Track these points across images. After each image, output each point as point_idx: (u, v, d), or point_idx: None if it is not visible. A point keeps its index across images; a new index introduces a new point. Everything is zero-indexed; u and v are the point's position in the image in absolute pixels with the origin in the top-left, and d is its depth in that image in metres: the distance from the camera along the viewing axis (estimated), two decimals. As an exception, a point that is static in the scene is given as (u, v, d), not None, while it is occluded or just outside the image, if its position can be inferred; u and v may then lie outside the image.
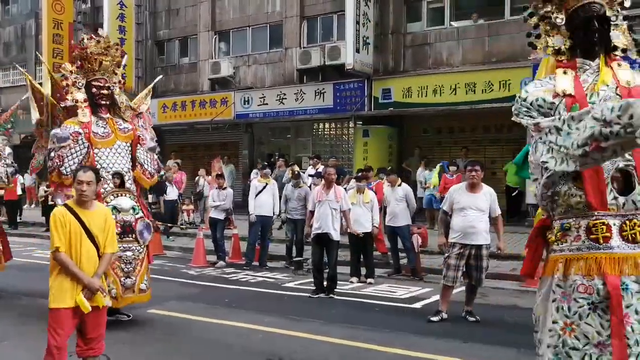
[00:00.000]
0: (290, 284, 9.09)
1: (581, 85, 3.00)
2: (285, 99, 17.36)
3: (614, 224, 2.84)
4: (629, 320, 2.71)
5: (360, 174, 10.65)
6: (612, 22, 3.13)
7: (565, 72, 3.06)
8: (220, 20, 19.52)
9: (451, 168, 12.92)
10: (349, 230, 8.75)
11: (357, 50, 15.35)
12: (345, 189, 11.25)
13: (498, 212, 6.91)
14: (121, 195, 6.41)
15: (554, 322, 2.87)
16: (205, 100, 19.02)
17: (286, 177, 13.45)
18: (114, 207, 6.20)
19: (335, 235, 8.17)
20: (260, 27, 18.75)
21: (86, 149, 6.36)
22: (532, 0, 3.30)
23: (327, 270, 8.26)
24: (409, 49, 15.99)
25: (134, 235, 6.31)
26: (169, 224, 14.42)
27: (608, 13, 3.09)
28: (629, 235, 2.84)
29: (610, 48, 3.12)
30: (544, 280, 3.06)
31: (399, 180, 10.06)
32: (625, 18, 3.20)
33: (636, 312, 2.72)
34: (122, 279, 6.20)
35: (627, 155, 2.83)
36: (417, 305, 7.61)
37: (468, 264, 6.62)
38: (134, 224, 6.34)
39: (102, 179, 6.16)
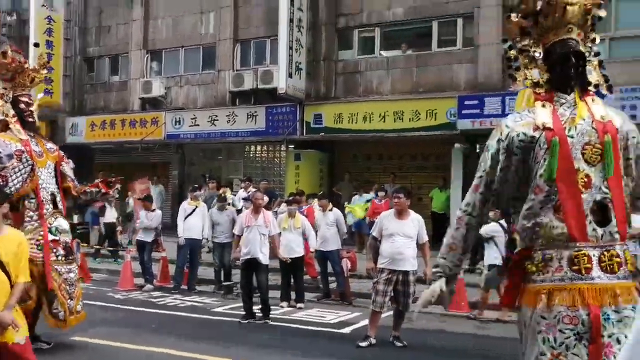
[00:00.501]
0: (220, 309, 9.01)
1: (559, 119, 3.05)
2: (217, 120, 17.29)
3: (594, 255, 2.91)
4: (611, 350, 2.77)
5: (291, 198, 10.76)
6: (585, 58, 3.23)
7: (543, 105, 3.12)
8: (153, 39, 19.26)
9: (380, 194, 13.28)
10: (279, 255, 8.80)
11: (290, 75, 15.58)
12: (276, 212, 11.37)
13: (425, 238, 7.11)
14: (58, 216, 6.24)
15: (541, 354, 2.89)
16: (135, 120, 18.63)
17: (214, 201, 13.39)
18: (56, 229, 6.05)
19: (264, 260, 8.20)
20: (193, 48, 18.64)
21: (30, 167, 6.08)
22: (510, 33, 3.36)
23: (258, 295, 8.26)
24: (341, 76, 16.38)
25: (73, 257, 6.21)
26: (99, 246, 14.03)
27: (582, 49, 3.17)
28: (607, 266, 2.91)
29: (585, 83, 3.20)
30: (523, 310, 3.07)
31: (330, 205, 10.26)
32: (596, 54, 3.29)
33: (618, 341, 2.78)
34: (68, 300, 6.07)
35: (604, 188, 2.95)
36: (346, 330, 7.73)
37: (396, 290, 6.82)
38: (70, 244, 6.23)
39: (43, 200, 6.02)
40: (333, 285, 10.11)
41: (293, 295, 9.37)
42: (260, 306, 8.18)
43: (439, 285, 3.21)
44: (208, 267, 11.87)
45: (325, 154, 16.64)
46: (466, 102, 13.83)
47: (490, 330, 8.04)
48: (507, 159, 3.08)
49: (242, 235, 8.29)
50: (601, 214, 2.96)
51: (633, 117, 11.60)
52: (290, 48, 15.58)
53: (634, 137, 3.09)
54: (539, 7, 3.18)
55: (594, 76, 3.22)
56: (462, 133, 13.82)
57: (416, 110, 14.55)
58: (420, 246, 7.08)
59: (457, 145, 13.87)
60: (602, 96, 3.27)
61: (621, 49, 12.63)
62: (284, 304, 9.19)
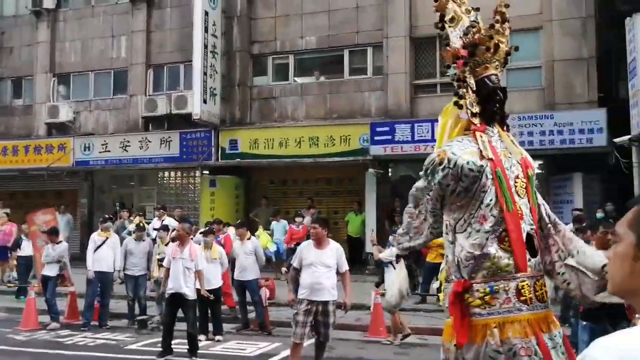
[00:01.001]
0: (134, 346, 8.69)
1: (496, 151, 3.19)
2: (129, 146, 16.80)
3: (529, 285, 3.04)
4: None
5: (207, 227, 10.61)
6: None
7: (481, 137, 3.23)
8: (60, 63, 18.49)
9: (297, 219, 13.39)
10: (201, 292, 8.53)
11: (205, 101, 15.48)
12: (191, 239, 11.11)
13: (345, 267, 7.02)
14: None
15: None
16: (40, 146, 17.70)
17: (127, 230, 12.93)
18: None
19: (191, 294, 7.97)
20: (104, 72, 18.11)
21: None
22: (448, 60, 3.49)
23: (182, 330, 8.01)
24: (256, 101, 16.47)
25: None
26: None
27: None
28: (540, 295, 3.04)
29: (504, 116, 3.40)
30: (469, 348, 2.98)
31: (248, 234, 10.22)
32: None
33: None
34: None
35: (530, 220, 3.10)
36: (267, 362, 7.68)
37: (316, 320, 6.80)
38: None
39: None
40: (252, 315, 10.03)
41: (211, 327, 9.20)
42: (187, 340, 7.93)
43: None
44: (121, 300, 11.41)
45: (241, 180, 16.59)
46: (378, 129, 14.31)
47: (410, 355, 8.23)
48: (454, 184, 3.12)
49: (169, 267, 8.06)
50: (529, 245, 3.10)
51: (530, 142, 12.49)
52: (205, 74, 15.51)
53: (535, 173, 3.33)
54: (478, 41, 3.36)
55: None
56: (375, 158, 14.26)
57: (331, 136, 14.87)
58: (340, 275, 7.11)
59: (370, 170, 14.29)
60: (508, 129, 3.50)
61: (517, 79, 13.56)
62: (202, 337, 8.99)
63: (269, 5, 16.41)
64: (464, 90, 3.32)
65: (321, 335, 6.86)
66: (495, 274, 3.01)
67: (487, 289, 3.00)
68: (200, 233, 10.27)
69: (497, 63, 3.34)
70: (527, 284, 3.03)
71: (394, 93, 14.80)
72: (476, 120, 3.27)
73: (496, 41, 3.30)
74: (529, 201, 3.14)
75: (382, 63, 15.12)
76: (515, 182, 3.14)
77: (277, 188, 16.91)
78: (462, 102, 3.34)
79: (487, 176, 3.10)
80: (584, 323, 5.49)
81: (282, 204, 16.23)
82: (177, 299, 7.92)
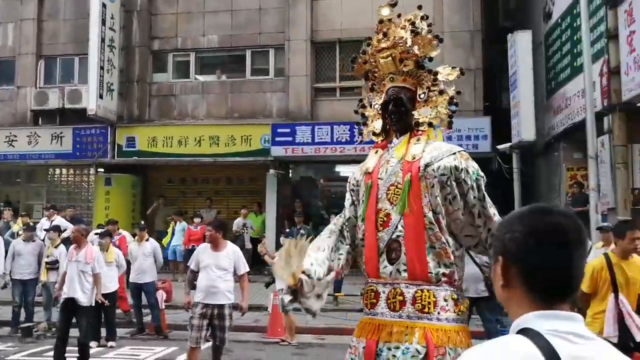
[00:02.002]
0: (17, 356, 8.22)
1: (379, 163, 3.22)
2: (16, 141, 15.82)
3: (383, 292, 3.04)
4: None
5: (104, 229, 10.24)
6: (420, 99, 3.29)
7: (376, 152, 3.32)
8: (-64, 49, 17.01)
9: (195, 220, 13.23)
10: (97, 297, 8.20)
11: (101, 96, 14.88)
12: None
13: (243, 270, 6.97)
14: None
15: None
16: None
17: (11, 231, 12.22)
18: None
19: (85, 300, 7.61)
20: (-12, 61, 16.87)
21: None
22: (367, 89, 3.53)
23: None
24: (155, 98, 16.06)
25: None
26: None
27: (418, 92, 3.28)
28: (392, 304, 3.00)
29: (410, 125, 3.25)
30: None
31: (147, 235, 9.99)
32: (440, 93, 3.30)
33: None
34: None
35: (399, 227, 3.04)
36: (162, 367, 7.57)
37: (212, 324, 6.79)
38: None
39: None
40: (148, 319, 9.81)
41: (103, 333, 8.89)
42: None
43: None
44: (3, 307, 10.73)
45: (138, 179, 16.11)
46: (279, 130, 14.46)
47: (308, 355, 8.40)
48: (351, 197, 3.38)
49: (65, 271, 7.68)
50: (395, 252, 3.07)
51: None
52: (102, 68, 14.91)
53: (443, 175, 3.00)
54: (368, 67, 3.42)
55: (429, 115, 3.25)
56: (275, 159, 14.39)
57: (232, 136, 14.82)
58: (238, 278, 7.13)
59: (271, 171, 14.40)
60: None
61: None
62: (94, 343, 8.66)
63: (170, 1, 16.05)
64: (372, 113, 3.45)
65: (217, 339, 6.83)
66: (365, 277, 3.22)
67: (361, 291, 3.25)
68: (96, 234, 9.87)
69: (391, 76, 3.31)
70: (371, 289, 3.11)
71: (295, 95, 15.01)
72: (378, 139, 3.39)
73: (379, 59, 3.34)
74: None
75: (284, 65, 15.27)
76: (388, 190, 3.13)
77: (176, 187, 16.59)
78: (364, 129, 3.51)
79: (362, 189, 3.27)
80: None
81: (180, 204, 15.95)
82: (71, 304, 7.59)
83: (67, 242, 10.13)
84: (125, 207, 15.31)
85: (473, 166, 3.07)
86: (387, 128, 3.37)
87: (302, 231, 12.35)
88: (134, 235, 10.76)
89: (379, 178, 3.18)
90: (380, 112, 3.38)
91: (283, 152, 14.32)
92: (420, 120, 3.24)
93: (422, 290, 2.96)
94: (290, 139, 14.28)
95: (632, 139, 10.37)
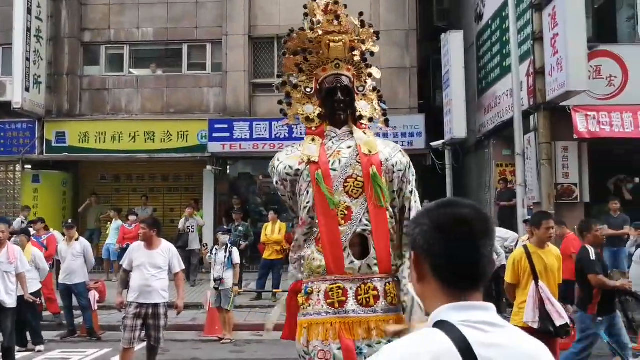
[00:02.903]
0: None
1: (325, 153, 3.08)
2: None
3: (351, 288, 2.92)
4: None
5: (24, 227, 9.82)
6: (359, 92, 3.27)
7: (313, 140, 3.16)
8: None
9: (130, 217, 12.90)
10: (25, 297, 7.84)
11: (27, 89, 14.21)
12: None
13: (178, 268, 6.86)
14: None
15: None
16: None
17: None
18: None
19: (10, 302, 7.25)
20: None
21: None
22: (287, 69, 3.36)
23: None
24: (86, 92, 15.51)
25: None
26: None
27: (356, 84, 3.24)
28: (364, 300, 2.91)
29: (357, 117, 3.21)
30: (297, 345, 3.06)
31: (77, 235, 9.64)
32: (374, 89, 3.35)
33: None
34: None
35: (364, 220, 2.96)
36: (94, 369, 7.37)
37: (146, 324, 6.64)
38: None
39: None
40: (79, 321, 9.49)
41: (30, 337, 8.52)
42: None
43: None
44: None
45: (69, 175, 15.53)
46: (216, 126, 14.29)
47: (245, 352, 8.37)
48: (284, 189, 3.21)
49: None
50: (362, 246, 3.00)
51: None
52: (28, 59, 14.24)
53: (400, 170, 3.10)
54: (306, 45, 3.27)
55: (368, 110, 3.26)
56: (213, 155, 14.22)
57: (167, 131, 14.52)
58: (174, 276, 7.00)
59: (208, 167, 14.21)
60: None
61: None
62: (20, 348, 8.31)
63: (101, -9, 15.53)
64: (298, 96, 3.32)
65: (152, 339, 6.68)
66: (311, 275, 3.04)
67: (303, 290, 3.05)
68: (11, 234, 9.41)
69: (337, 62, 3.20)
70: (338, 287, 2.96)
71: (233, 91, 14.87)
72: (311, 125, 3.24)
73: (327, 41, 3.21)
74: (366, 201, 2.99)
75: (222, 60, 15.09)
76: (346, 183, 3.03)
77: (109, 184, 16.09)
78: (288, 110, 3.36)
79: (304, 179, 3.09)
80: (599, 319, 5.99)
81: (114, 202, 15.49)
82: (-4, 307, 7.23)
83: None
84: (55, 205, 14.73)
85: (411, 164, 3.23)
86: (322, 115, 3.24)
87: (240, 228, 12.30)
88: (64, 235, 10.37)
89: (331, 169, 3.05)
90: (309, 96, 3.29)
91: (221, 148, 14.16)
92: (362, 114, 3.23)
93: (389, 284, 3.01)
94: (227, 135, 14.14)
95: (556, 136, 10.91)
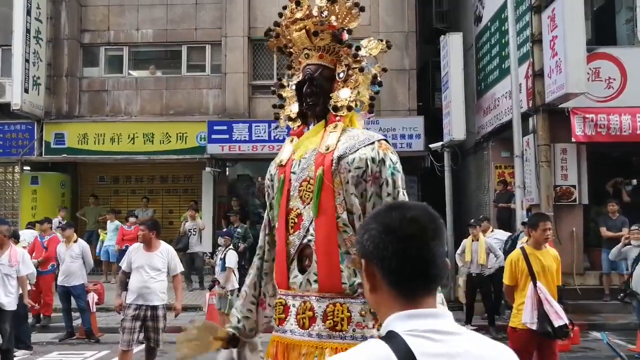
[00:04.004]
0: None
1: (293, 154, 2.76)
2: None
3: (293, 305, 2.59)
4: None
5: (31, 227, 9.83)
6: (339, 79, 2.80)
7: (292, 141, 2.86)
8: None
9: (130, 219, 12.89)
10: (25, 301, 7.81)
11: (26, 90, 14.21)
12: None
13: (177, 270, 6.89)
14: None
15: None
16: None
17: None
18: None
19: (9, 304, 7.22)
20: None
21: None
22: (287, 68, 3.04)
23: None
24: (86, 93, 15.51)
25: None
26: None
27: (337, 70, 2.80)
28: (301, 320, 2.56)
29: (327, 109, 2.78)
30: None
31: (75, 236, 9.64)
32: (361, 70, 2.82)
33: None
34: None
35: (311, 230, 2.59)
36: (93, 371, 7.36)
37: (145, 326, 6.66)
38: None
39: None
40: (78, 322, 9.48)
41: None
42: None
43: (229, 354, 2.86)
44: None
45: (68, 177, 15.51)
46: (215, 127, 14.28)
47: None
48: (267, 198, 2.94)
49: None
50: (308, 259, 2.62)
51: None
52: (27, 61, 14.23)
53: (358, 168, 2.58)
54: (284, 41, 2.95)
55: (349, 97, 2.77)
56: (212, 157, 14.22)
57: (167, 133, 14.52)
58: (172, 278, 7.01)
59: (207, 169, 14.20)
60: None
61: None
62: (20, 352, 8.29)
63: (101, -8, 15.54)
64: (289, 94, 2.99)
65: (151, 341, 6.70)
66: (273, 288, 2.83)
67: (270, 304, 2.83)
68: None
69: (307, 51, 2.82)
70: (280, 302, 2.67)
71: (232, 92, 14.87)
72: (295, 124, 2.93)
73: (290, 31, 2.86)
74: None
75: (221, 62, 15.09)
76: (301, 186, 2.66)
77: (108, 186, 16.07)
78: (280, 113, 3.02)
79: (275, 184, 2.82)
80: None
81: (112, 203, 15.49)
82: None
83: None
84: (54, 207, 14.65)
85: (392, 158, 2.64)
86: (304, 112, 2.88)
87: (238, 230, 12.29)
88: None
89: (292, 172, 2.72)
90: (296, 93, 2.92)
91: (219, 150, 14.15)
92: (339, 104, 2.76)
93: (334, 305, 2.51)
94: (227, 136, 14.14)
95: (554, 138, 10.94)
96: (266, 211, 2.95)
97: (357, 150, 2.60)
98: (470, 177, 14.96)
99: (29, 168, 15.08)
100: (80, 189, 15.91)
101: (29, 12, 14.29)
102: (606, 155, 11.88)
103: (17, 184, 15.38)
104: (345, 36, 2.85)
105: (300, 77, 2.83)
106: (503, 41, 12.22)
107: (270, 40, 3.00)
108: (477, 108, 14.02)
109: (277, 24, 2.97)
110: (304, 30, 2.80)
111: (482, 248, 9.56)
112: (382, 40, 2.92)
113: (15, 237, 9.08)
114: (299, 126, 2.91)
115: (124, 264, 6.91)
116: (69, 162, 15.09)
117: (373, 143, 2.64)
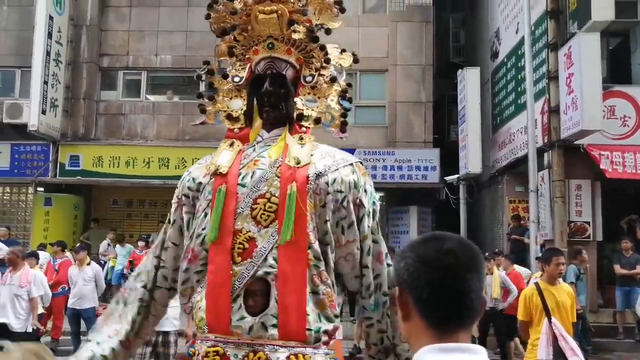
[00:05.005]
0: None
1: (240, 163, 2.25)
2: (-53, 156, 15.04)
3: (235, 356, 2.02)
4: None
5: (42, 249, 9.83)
6: (305, 83, 2.39)
7: (232, 144, 2.34)
8: None
9: (140, 243, 12.86)
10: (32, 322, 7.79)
11: (44, 112, 14.37)
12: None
13: None
14: None
15: None
16: None
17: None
18: None
19: (19, 326, 7.22)
20: None
21: None
22: (219, 53, 2.55)
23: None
24: (102, 117, 15.66)
25: None
26: None
27: (303, 72, 2.39)
28: None
29: (297, 116, 2.34)
30: None
31: (88, 259, 9.63)
32: (333, 80, 2.42)
33: None
34: None
35: (270, 260, 2.07)
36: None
37: (156, 352, 6.63)
38: None
39: None
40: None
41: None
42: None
43: None
44: None
45: (81, 199, 15.57)
46: (232, 153, 14.30)
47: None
48: (176, 211, 2.34)
49: None
50: (266, 297, 2.08)
51: (374, 176, 13.33)
52: (46, 82, 14.43)
53: (339, 192, 2.17)
54: (233, 19, 2.44)
55: (316, 107, 2.38)
56: (226, 183, 14.21)
57: (182, 158, 14.60)
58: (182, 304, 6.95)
59: (220, 194, 14.17)
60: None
61: (365, 116, 14.49)
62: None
63: (122, 17, 15.80)
64: (226, 87, 2.48)
65: (162, 367, 6.67)
66: (199, 330, 2.15)
67: (188, 351, 2.18)
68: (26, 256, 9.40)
69: (272, 41, 2.35)
70: (215, 351, 2.05)
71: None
72: (235, 125, 2.42)
73: (256, 12, 2.34)
74: (278, 233, 2.09)
75: (239, 88, 15.20)
76: (256, 204, 2.15)
77: (121, 209, 16.10)
78: (208, 106, 2.50)
79: (204, 197, 2.23)
80: None
81: (125, 227, 15.50)
82: (2, 330, 7.20)
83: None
84: (66, 229, 14.73)
85: (371, 185, 2.31)
86: (251, 113, 2.39)
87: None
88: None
89: (239, 184, 2.19)
90: (239, 87, 2.44)
91: (233, 176, 14.15)
92: (305, 113, 2.34)
93: (296, 356, 2.02)
94: (243, 162, 14.15)
95: (569, 174, 10.93)
96: (164, 227, 2.38)
97: (337, 169, 2.22)
98: (484, 211, 14.91)
99: (42, 189, 15.15)
100: (93, 212, 15.94)
101: (50, 35, 14.54)
102: (620, 192, 11.84)
103: (30, 205, 15.44)
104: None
105: (258, 71, 2.35)
106: (519, 77, 12.31)
107: (215, 13, 2.46)
108: (492, 142, 14.05)
109: None
110: (274, 15, 2.30)
111: (496, 282, 9.45)
112: (346, 51, 2.52)
113: (35, 257, 9.09)
114: (241, 128, 2.40)
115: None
116: (83, 184, 15.15)
117: (352, 165, 2.28)
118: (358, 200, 2.21)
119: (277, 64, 2.34)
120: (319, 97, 2.39)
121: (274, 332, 2.03)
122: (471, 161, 12.79)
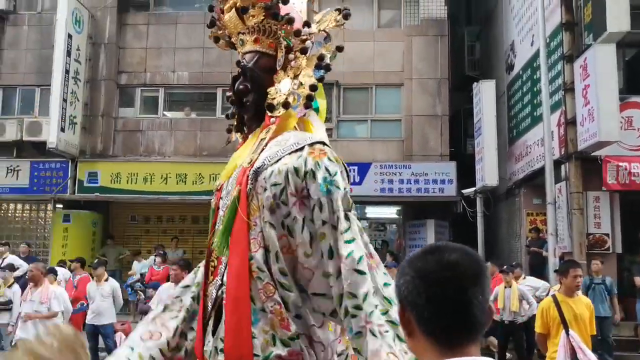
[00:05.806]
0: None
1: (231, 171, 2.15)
2: (-31, 173, 15.28)
3: None
4: None
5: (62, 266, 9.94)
6: (278, 68, 2.17)
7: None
8: None
9: (157, 259, 12.94)
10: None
11: (62, 129, 14.57)
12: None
13: None
14: None
15: None
16: None
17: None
18: None
19: None
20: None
21: None
22: None
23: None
24: (120, 133, 15.84)
25: None
26: None
27: (278, 56, 2.18)
28: None
29: (267, 107, 2.12)
30: None
31: (106, 275, 9.71)
32: (303, 51, 2.19)
33: None
34: None
35: (219, 280, 1.96)
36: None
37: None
38: None
39: None
40: (106, 362, 9.44)
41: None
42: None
43: None
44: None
45: (99, 216, 15.72)
46: (249, 169, 14.38)
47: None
48: None
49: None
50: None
51: (390, 190, 13.32)
52: (65, 100, 14.65)
53: (276, 184, 1.90)
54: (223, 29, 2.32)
55: (286, 90, 2.11)
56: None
57: (200, 174, 14.70)
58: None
59: (238, 209, 14.22)
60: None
61: (381, 130, 14.50)
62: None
63: (140, 35, 16.04)
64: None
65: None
66: None
67: None
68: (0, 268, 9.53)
69: (242, 37, 2.21)
70: None
71: (264, 135, 15.03)
72: (235, 136, 2.34)
73: (221, 11, 2.23)
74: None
75: (254, 104, 15.31)
76: (224, 215, 2.04)
77: (139, 226, 16.21)
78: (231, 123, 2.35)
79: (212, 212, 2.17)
80: None
81: (143, 243, 15.60)
82: (23, 347, 7.25)
83: (20, 280, 9.81)
84: (85, 245, 14.86)
85: (328, 168, 1.88)
86: (241, 117, 2.27)
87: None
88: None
89: (221, 198, 2.12)
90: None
91: (251, 191, 14.22)
92: (275, 102, 2.09)
93: None
94: (255, 178, 14.22)
95: (587, 186, 10.84)
96: None
97: (279, 160, 1.94)
98: (502, 224, 14.80)
99: (61, 206, 15.32)
100: (111, 228, 16.08)
101: (69, 54, 14.79)
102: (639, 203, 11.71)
103: (49, 222, 15.60)
104: (286, 10, 2.15)
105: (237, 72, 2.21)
106: (535, 89, 12.26)
107: (212, 31, 2.37)
108: (508, 155, 13.98)
109: (211, 8, 2.34)
110: (233, 10, 2.16)
111: (515, 295, 9.38)
112: (339, 10, 2.25)
113: (53, 273, 9.19)
114: (243, 137, 2.29)
115: (154, 303, 6.93)
116: (101, 200, 15.31)
117: (302, 148, 1.94)
118: (304, 191, 1.87)
119: (247, 58, 2.19)
120: (292, 77, 2.14)
121: (221, 357, 1.83)
122: (488, 174, 12.73)
